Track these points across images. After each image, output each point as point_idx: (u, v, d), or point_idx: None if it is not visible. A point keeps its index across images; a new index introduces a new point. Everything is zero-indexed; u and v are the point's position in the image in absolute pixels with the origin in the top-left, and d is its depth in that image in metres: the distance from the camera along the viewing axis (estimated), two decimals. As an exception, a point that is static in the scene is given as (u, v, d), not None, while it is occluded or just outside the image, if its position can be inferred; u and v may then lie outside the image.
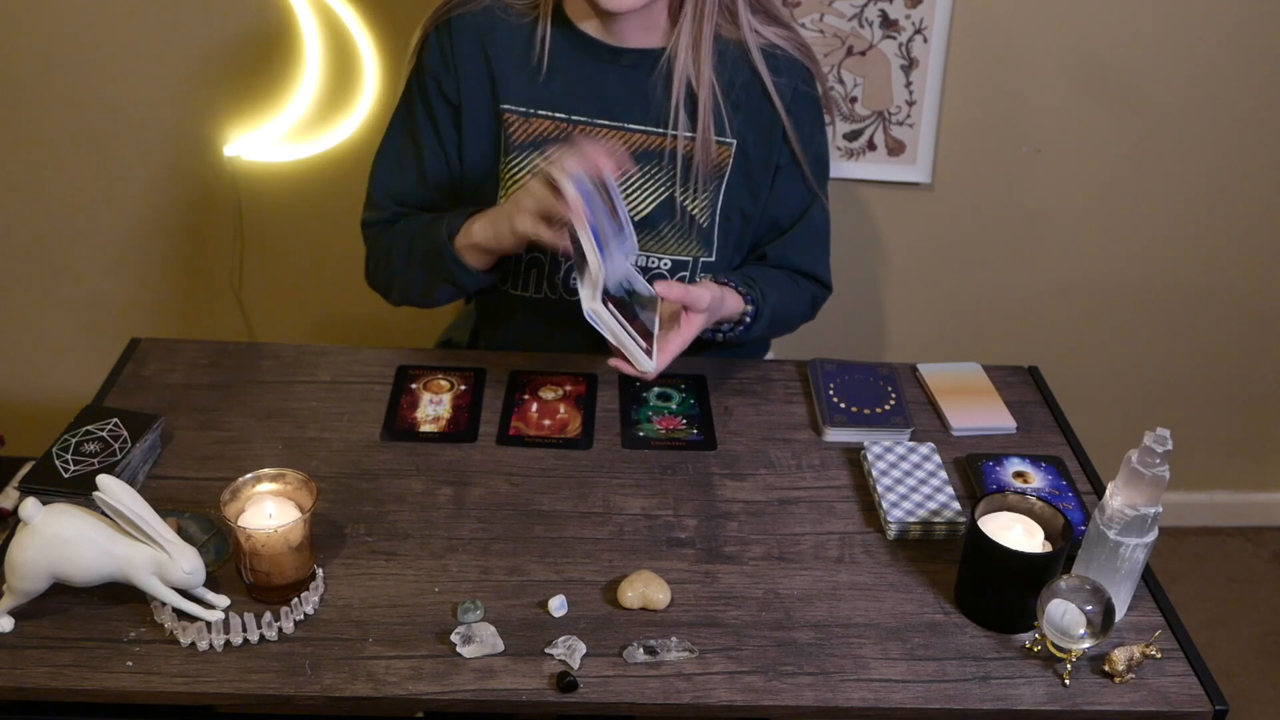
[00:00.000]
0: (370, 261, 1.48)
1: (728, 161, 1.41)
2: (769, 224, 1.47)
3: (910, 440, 1.35)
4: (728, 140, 1.40)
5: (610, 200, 1.22)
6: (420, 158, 1.42)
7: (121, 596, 1.07)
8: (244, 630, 1.03)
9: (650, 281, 1.27)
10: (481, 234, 1.30)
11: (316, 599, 1.08)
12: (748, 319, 1.38)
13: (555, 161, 1.18)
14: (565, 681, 1.01)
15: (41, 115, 1.92)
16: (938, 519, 1.21)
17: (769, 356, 1.67)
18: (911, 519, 1.21)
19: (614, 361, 1.24)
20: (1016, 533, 1.09)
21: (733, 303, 1.35)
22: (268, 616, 1.04)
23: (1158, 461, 1.04)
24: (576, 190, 1.14)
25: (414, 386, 1.40)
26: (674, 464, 1.31)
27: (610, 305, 1.20)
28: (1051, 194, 2.02)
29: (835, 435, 1.36)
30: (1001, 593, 1.09)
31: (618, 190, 1.24)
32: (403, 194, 1.44)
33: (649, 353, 1.23)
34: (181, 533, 1.10)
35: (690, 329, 1.27)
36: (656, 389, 1.42)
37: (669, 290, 1.24)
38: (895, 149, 1.94)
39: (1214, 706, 1.04)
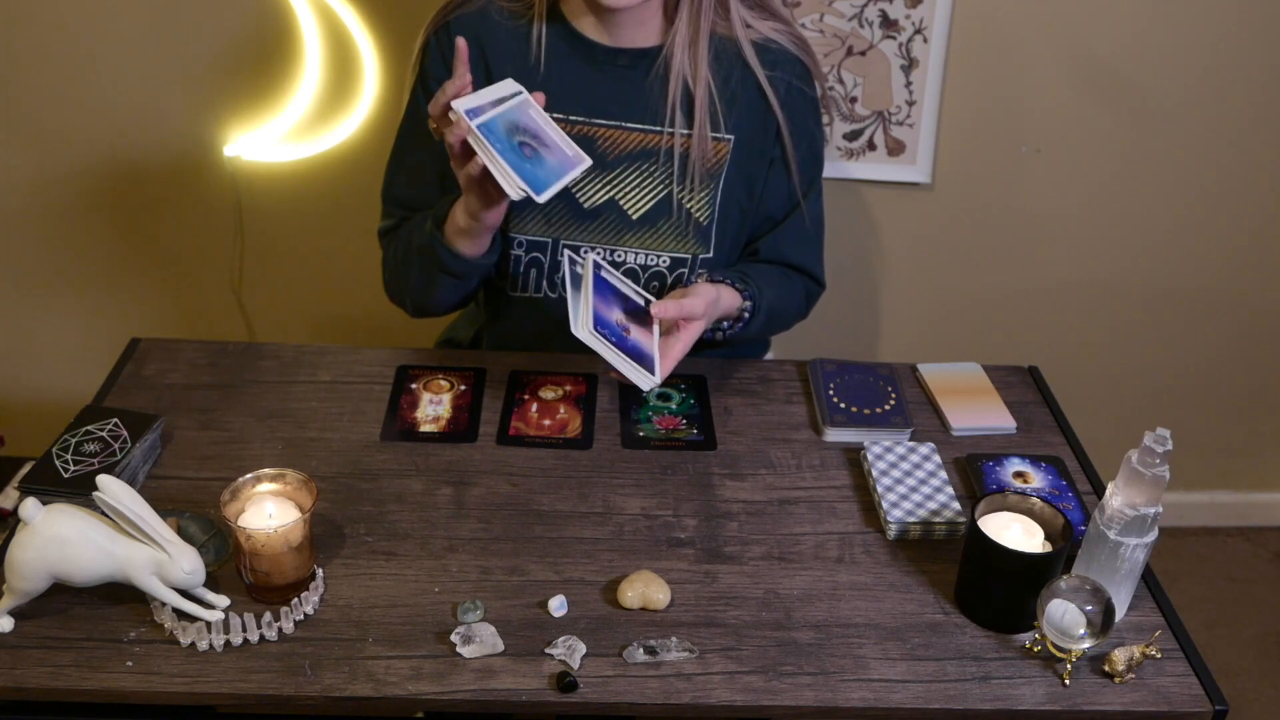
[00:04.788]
0: (386, 272, 1.48)
1: (725, 158, 1.41)
2: (762, 218, 1.48)
3: (910, 440, 1.35)
4: (724, 136, 1.40)
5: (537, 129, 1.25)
6: (430, 163, 1.42)
7: (121, 596, 1.07)
8: (244, 630, 1.03)
9: (646, 289, 1.27)
10: (459, 213, 1.30)
11: (316, 599, 1.08)
12: (746, 315, 1.39)
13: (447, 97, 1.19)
14: (565, 681, 1.01)
15: (41, 115, 1.92)
16: (938, 519, 1.21)
17: (769, 356, 1.67)
18: (911, 519, 1.21)
19: (615, 374, 1.23)
20: (1016, 533, 1.09)
21: (729, 299, 1.36)
22: (268, 616, 1.04)
23: (1158, 461, 1.04)
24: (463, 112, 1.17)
25: (414, 386, 1.40)
26: (674, 464, 1.31)
27: (611, 320, 1.21)
28: (1051, 194, 2.02)
29: (835, 435, 1.36)
30: (1001, 593, 1.09)
31: (542, 119, 1.27)
32: (415, 200, 1.44)
33: (650, 366, 1.23)
34: (181, 533, 1.10)
35: (690, 335, 1.28)
36: (657, 389, 1.42)
37: (664, 310, 1.26)
38: (895, 149, 1.94)
39: (1214, 706, 1.04)
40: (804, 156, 1.44)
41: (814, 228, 1.50)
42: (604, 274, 1.28)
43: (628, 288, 1.31)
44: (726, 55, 1.38)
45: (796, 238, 1.48)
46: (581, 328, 1.18)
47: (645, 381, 1.22)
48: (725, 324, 1.40)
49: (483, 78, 1.38)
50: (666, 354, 1.26)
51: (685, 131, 1.38)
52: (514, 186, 1.18)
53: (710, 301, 1.29)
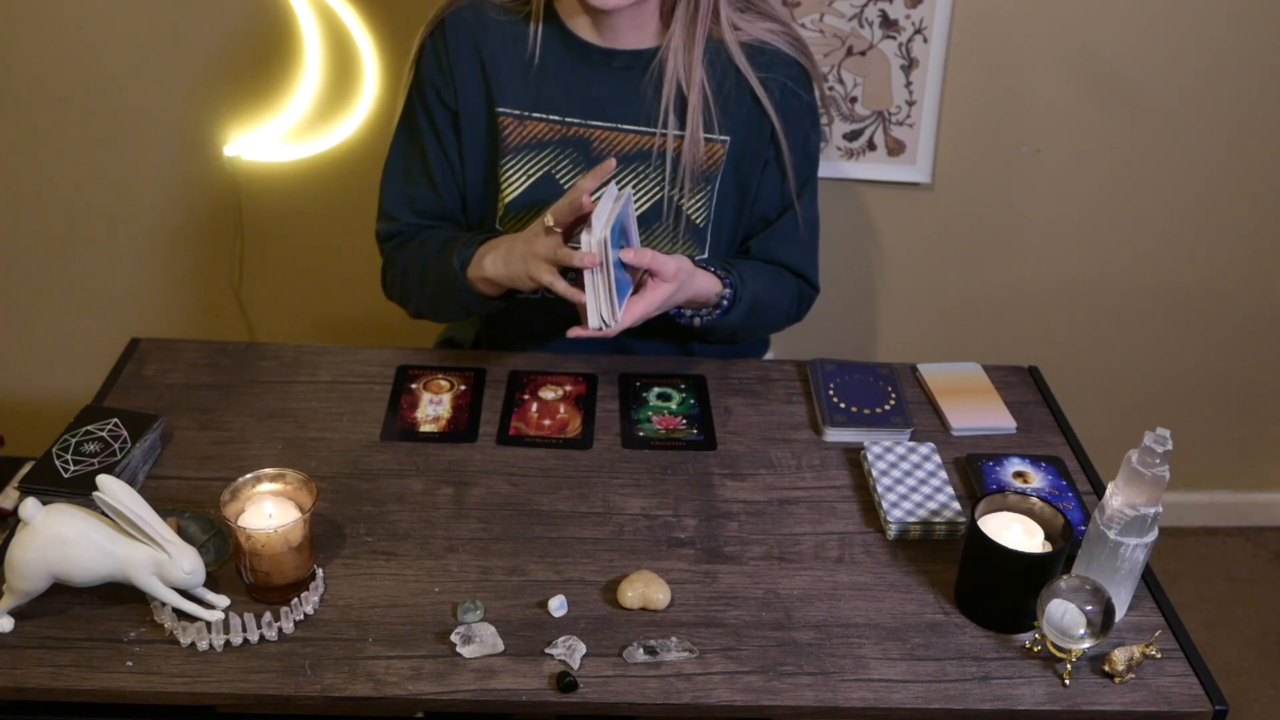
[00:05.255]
0: (386, 276, 1.49)
1: (720, 160, 1.41)
2: (756, 219, 1.48)
3: (910, 440, 1.35)
4: (719, 139, 1.40)
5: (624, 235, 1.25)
6: (427, 166, 1.42)
7: (121, 596, 1.07)
8: (244, 630, 1.03)
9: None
10: (493, 269, 1.31)
11: (316, 599, 1.08)
12: (725, 302, 1.37)
13: (558, 211, 1.21)
14: (565, 681, 1.01)
15: (42, 115, 1.92)
16: (938, 519, 1.21)
17: (769, 356, 1.67)
18: (911, 519, 1.21)
19: (573, 331, 1.23)
20: (1016, 533, 1.09)
21: (707, 283, 1.35)
22: (268, 616, 1.04)
23: (1158, 461, 1.04)
24: (597, 243, 1.18)
25: (414, 386, 1.41)
26: (674, 464, 1.31)
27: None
28: (1051, 194, 2.02)
29: (835, 435, 1.36)
30: (1001, 593, 1.09)
31: (632, 219, 1.27)
32: (413, 204, 1.45)
33: (612, 312, 1.23)
34: (181, 533, 1.10)
35: (655, 295, 1.26)
36: (656, 389, 1.42)
37: (637, 258, 1.24)
38: (895, 149, 1.94)
39: (1214, 706, 1.04)
40: (798, 158, 1.44)
41: (808, 230, 1.49)
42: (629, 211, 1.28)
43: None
44: (723, 58, 1.38)
45: (789, 239, 1.48)
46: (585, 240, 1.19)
47: (604, 317, 1.22)
48: (704, 311, 1.39)
49: (480, 79, 1.38)
50: (628, 310, 1.24)
51: (678, 134, 1.38)
52: (602, 316, 1.22)
53: (683, 269, 1.28)
